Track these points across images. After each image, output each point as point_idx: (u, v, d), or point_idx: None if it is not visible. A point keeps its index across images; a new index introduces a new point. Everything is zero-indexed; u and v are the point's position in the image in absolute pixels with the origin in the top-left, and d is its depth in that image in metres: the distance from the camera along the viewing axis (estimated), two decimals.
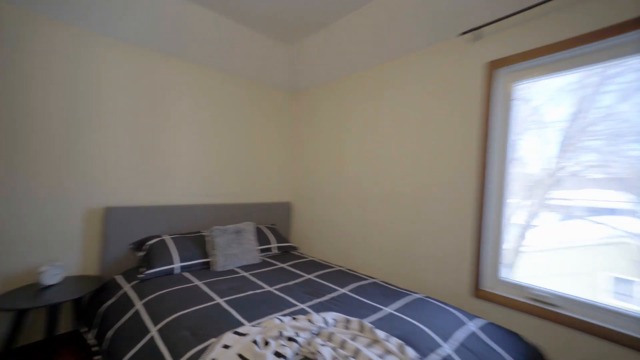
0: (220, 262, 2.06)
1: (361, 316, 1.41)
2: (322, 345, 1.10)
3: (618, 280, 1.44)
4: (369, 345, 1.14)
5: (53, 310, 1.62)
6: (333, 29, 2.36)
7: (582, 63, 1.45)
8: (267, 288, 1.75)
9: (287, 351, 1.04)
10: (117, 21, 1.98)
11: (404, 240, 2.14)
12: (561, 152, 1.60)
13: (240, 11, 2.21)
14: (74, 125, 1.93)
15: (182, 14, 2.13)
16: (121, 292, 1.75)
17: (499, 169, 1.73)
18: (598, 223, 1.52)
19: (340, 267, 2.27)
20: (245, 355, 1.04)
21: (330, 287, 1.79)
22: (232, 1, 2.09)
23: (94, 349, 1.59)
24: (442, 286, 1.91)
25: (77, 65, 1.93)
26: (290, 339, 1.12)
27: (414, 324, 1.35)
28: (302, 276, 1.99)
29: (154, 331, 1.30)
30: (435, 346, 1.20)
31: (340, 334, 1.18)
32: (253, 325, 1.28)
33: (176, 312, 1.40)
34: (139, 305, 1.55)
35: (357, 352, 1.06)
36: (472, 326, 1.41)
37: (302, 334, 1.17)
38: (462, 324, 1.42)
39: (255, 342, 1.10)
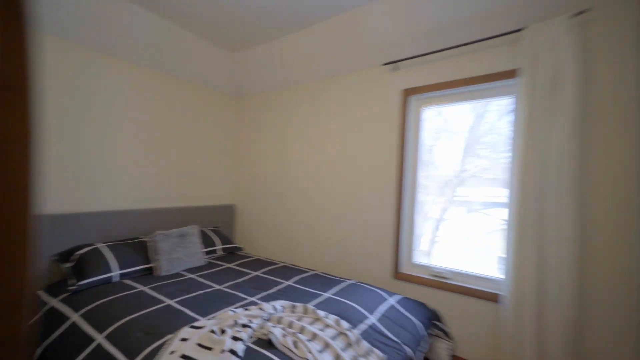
0: (165, 266, 2.06)
1: (304, 302, 1.65)
2: (273, 327, 1.29)
3: (501, 258, 1.96)
4: (312, 323, 1.38)
5: None
6: (276, 44, 2.54)
7: (468, 98, 1.95)
8: (217, 287, 1.85)
9: (243, 335, 1.21)
10: (40, 11, 1.81)
11: (339, 235, 2.47)
12: (464, 157, 2.09)
13: (185, 16, 2.22)
14: None
15: (111, 9, 2.03)
16: (47, 307, 1.64)
17: (412, 174, 2.17)
18: (488, 215, 2.05)
19: (285, 263, 2.47)
20: (205, 343, 1.17)
21: (277, 281, 1.99)
22: (177, 7, 2.10)
23: None
24: (369, 272, 2.29)
25: None
26: (244, 326, 1.29)
27: (347, 303, 1.65)
28: (249, 273, 2.14)
29: (100, 338, 1.31)
30: (363, 318, 1.52)
31: (288, 317, 1.40)
32: (208, 319, 1.40)
33: (124, 318, 1.42)
34: (75, 317, 1.50)
35: (302, 329, 1.29)
36: (392, 301, 1.78)
37: (255, 320, 1.34)
38: (384, 299, 1.78)
39: (212, 331, 1.23)
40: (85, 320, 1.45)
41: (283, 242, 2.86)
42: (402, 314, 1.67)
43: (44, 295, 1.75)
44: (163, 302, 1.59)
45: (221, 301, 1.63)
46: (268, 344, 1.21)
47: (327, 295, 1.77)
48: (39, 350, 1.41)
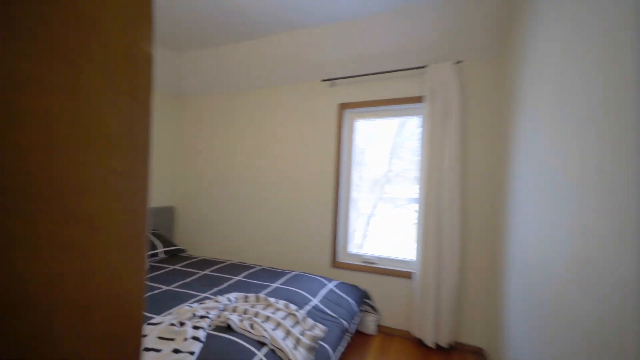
0: None
1: (256, 292, 1.83)
2: (230, 315, 1.46)
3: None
4: (264, 309, 1.59)
5: None
6: (221, 50, 2.61)
7: (391, 115, 2.39)
8: (165, 287, 1.89)
9: (203, 324, 1.35)
10: None
11: (283, 232, 2.69)
12: (390, 159, 2.51)
13: None
14: None
15: None
16: None
17: (347, 174, 2.52)
18: (409, 209, 2.51)
19: (232, 261, 2.59)
20: (166, 336, 1.28)
21: (227, 277, 2.12)
22: None
23: None
24: (311, 263, 2.58)
25: None
26: (202, 317, 1.42)
27: (294, 290, 1.89)
28: (197, 273, 2.20)
29: None
30: (308, 301, 1.78)
31: (242, 305, 1.58)
32: (165, 316, 1.48)
33: None
34: None
35: (257, 314, 1.49)
36: (331, 285, 2.09)
37: (212, 311, 1.48)
38: (324, 285, 2.08)
39: (172, 324, 1.34)
40: None
41: (228, 241, 2.94)
42: (339, 295, 2.00)
43: None
44: None
45: (174, 299, 1.70)
46: (227, 328, 1.38)
47: (275, 285, 1.99)
48: None
